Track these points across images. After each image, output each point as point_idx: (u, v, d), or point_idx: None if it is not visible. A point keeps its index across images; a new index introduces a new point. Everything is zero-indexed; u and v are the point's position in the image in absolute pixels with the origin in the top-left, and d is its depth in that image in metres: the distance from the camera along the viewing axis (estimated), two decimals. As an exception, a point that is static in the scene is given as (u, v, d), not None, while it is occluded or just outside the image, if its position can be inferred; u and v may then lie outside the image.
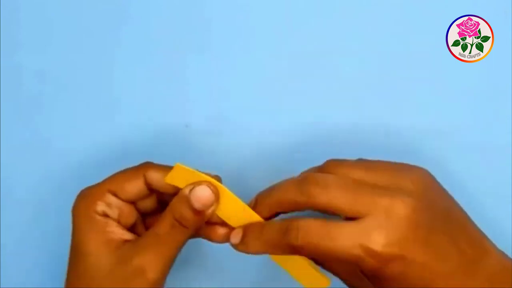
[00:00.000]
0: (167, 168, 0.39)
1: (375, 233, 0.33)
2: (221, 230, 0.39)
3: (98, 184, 0.40)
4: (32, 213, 0.47)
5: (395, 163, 0.37)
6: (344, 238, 0.34)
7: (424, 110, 0.44)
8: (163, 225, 0.38)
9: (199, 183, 0.37)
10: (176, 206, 0.38)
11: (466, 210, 0.38)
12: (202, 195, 0.37)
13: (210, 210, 0.38)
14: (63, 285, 0.46)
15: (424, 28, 0.44)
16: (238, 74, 0.45)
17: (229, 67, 0.45)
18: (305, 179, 0.36)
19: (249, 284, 0.47)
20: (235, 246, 0.38)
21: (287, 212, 0.38)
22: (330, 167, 0.37)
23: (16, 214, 0.47)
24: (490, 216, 0.41)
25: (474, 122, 0.44)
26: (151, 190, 0.40)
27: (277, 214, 0.38)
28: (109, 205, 0.39)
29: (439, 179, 0.38)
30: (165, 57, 0.46)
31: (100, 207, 0.39)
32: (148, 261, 0.37)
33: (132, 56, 0.46)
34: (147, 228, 0.41)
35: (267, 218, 0.38)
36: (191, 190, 0.37)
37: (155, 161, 0.44)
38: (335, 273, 0.40)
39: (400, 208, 0.34)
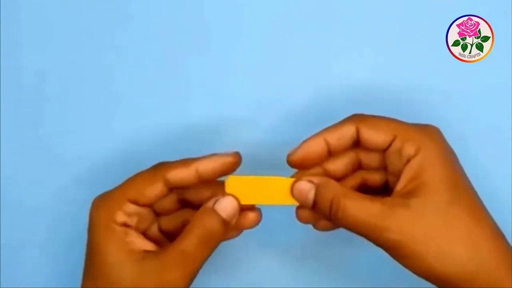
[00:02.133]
0: (185, 163, 0.38)
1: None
2: (251, 216, 0.39)
3: (116, 192, 0.39)
4: (32, 213, 0.47)
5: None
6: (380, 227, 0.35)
7: (424, 110, 0.44)
8: (189, 241, 0.37)
9: (223, 195, 0.38)
10: (203, 220, 0.38)
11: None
12: (229, 205, 0.38)
13: (233, 221, 0.38)
14: (63, 285, 0.46)
15: (424, 28, 0.44)
16: (238, 74, 0.45)
17: (229, 67, 0.45)
18: (361, 114, 0.38)
19: (250, 284, 0.47)
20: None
21: (332, 152, 0.39)
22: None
23: (16, 214, 0.47)
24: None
25: (474, 122, 0.45)
26: (170, 189, 0.39)
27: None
28: (129, 214, 0.38)
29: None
30: (165, 57, 0.46)
31: (120, 217, 0.38)
32: (175, 279, 0.37)
33: (132, 56, 0.46)
34: (161, 228, 0.41)
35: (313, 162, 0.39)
36: (215, 202, 0.38)
37: (155, 161, 0.44)
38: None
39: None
